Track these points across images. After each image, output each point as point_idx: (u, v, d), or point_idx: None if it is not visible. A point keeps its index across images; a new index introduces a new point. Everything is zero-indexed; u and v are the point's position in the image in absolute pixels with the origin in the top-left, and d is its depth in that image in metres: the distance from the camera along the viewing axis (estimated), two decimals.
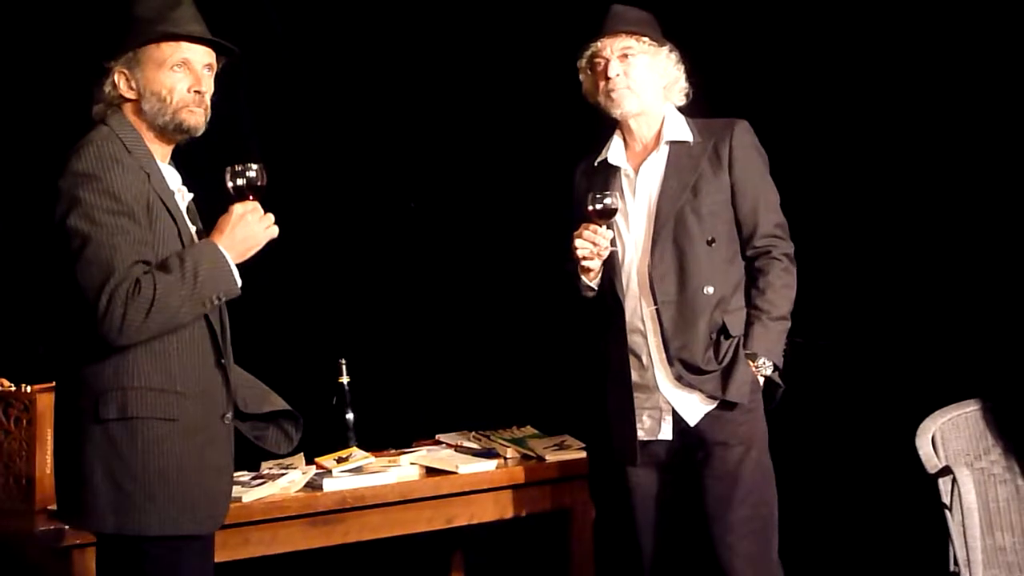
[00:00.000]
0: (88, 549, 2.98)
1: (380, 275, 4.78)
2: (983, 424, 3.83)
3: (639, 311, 3.31)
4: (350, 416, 3.82)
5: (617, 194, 3.29)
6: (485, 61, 4.79)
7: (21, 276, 3.91)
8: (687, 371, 3.26)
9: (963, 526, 3.53)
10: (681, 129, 3.39)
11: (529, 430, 4.04)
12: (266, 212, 2.73)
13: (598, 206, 3.20)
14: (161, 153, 2.78)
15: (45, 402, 3.18)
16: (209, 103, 2.78)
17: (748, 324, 3.31)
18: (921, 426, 3.76)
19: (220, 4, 3.07)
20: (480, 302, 4.80)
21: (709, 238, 3.30)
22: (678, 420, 3.29)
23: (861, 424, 4.19)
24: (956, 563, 3.60)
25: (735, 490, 3.27)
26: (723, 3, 4.42)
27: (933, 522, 3.66)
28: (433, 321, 4.82)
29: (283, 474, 3.46)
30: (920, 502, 3.75)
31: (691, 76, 3.42)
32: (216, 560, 2.88)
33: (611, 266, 3.31)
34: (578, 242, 3.24)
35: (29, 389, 3.26)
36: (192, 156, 2.89)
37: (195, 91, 2.74)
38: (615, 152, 3.42)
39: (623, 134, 3.43)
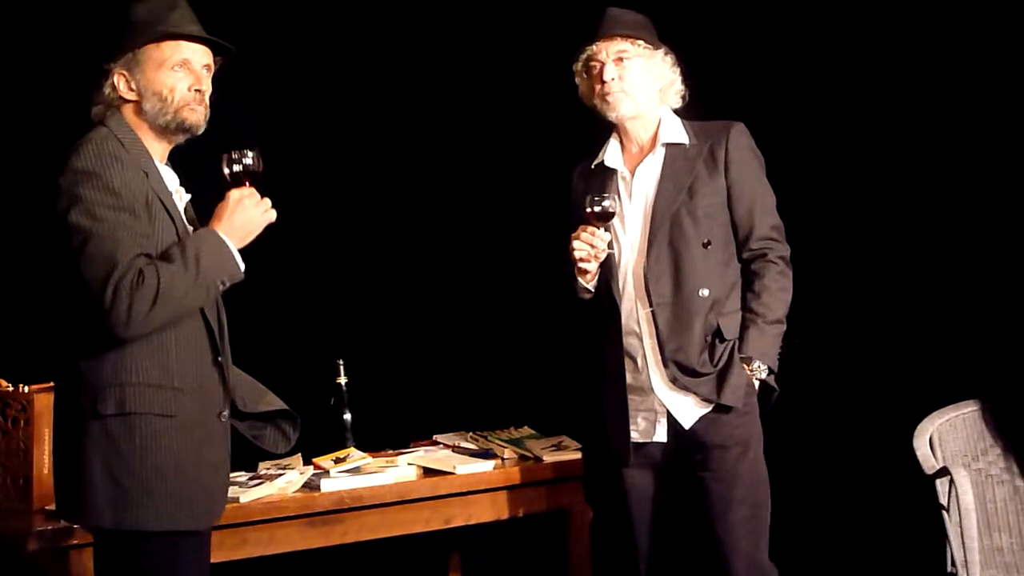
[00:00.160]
0: (86, 549, 2.98)
1: (378, 276, 4.78)
2: (981, 425, 3.83)
3: (635, 313, 3.32)
4: (348, 416, 3.83)
5: (615, 197, 3.30)
6: (483, 62, 4.79)
7: (19, 276, 3.92)
8: (682, 373, 3.26)
9: (960, 527, 3.53)
10: (677, 131, 3.39)
11: (526, 431, 4.04)
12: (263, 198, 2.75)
13: (596, 209, 3.21)
14: (159, 154, 2.80)
15: (43, 402, 3.20)
16: (208, 103, 2.81)
17: (744, 328, 3.31)
18: (919, 427, 3.76)
19: (218, 5, 3.09)
20: (478, 303, 4.80)
21: (705, 240, 3.30)
22: (673, 423, 3.30)
23: (859, 425, 4.19)
24: (953, 564, 3.60)
25: (735, 491, 3.28)
26: (719, 5, 4.42)
27: (931, 523, 3.66)
28: (431, 322, 4.82)
29: (281, 474, 3.46)
30: (918, 503, 3.75)
31: (687, 78, 3.42)
32: (214, 560, 2.90)
33: (608, 268, 3.32)
34: (576, 244, 3.25)
35: (27, 389, 3.27)
36: (190, 157, 2.90)
37: (195, 90, 2.77)
38: (612, 155, 3.43)
39: (620, 137, 3.44)
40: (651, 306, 3.28)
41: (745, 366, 3.29)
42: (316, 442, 3.65)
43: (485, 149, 4.83)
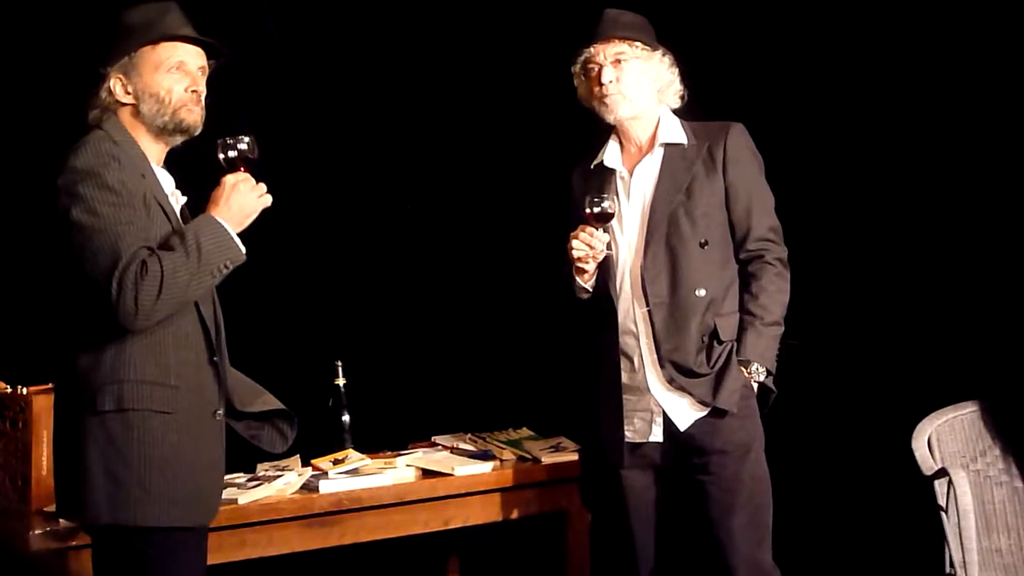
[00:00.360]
0: (85, 549, 2.98)
1: (376, 277, 4.78)
2: (980, 426, 3.82)
3: (632, 313, 3.32)
4: (346, 418, 3.83)
5: (613, 197, 3.30)
6: (482, 63, 4.79)
7: (18, 277, 3.92)
8: (678, 373, 3.26)
9: (959, 528, 3.53)
10: (676, 131, 3.39)
11: (525, 432, 4.04)
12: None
13: (595, 209, 3.22)
14: (156, 156, 2.83)
15: (41, 404, 3.20)
16: (204, 104, 2.84)
17: (741, 330, 3.31)
18: (917, 428, 3.75)
19: (217, 9, 3.10)
20: (476, 304, 4.81)
21: (702, 240, 3.30)
22: (668, 423, 3.29)
23: (857, 426, 4.18)
24: (952, 565, 3.59)
25: (737, 496, 3.27)
26: (718, 5, 4.42)
27: (929, 524, 3.65)
28: (429, 323, 4.82)
29: (279, 476, 3.47)
30: (916, 504, 3.74)
31: (686, 79, 3.42)
32: (212, 562, 2.91)
33: (605, 268, 3.32)
34: (574, 243, 3.26)
35: (25, 391, 3.28)
36: (187, 160, 2.91)
37: (192, 91, 2.80)
38: (611, 155, 3.43)
39: (619, 137, 3.44)
40: (648, 305, 3.28)
41: (743, 368, 3.29)
42: (314, 443, 3.65)
43: (484, 150, 4.83)
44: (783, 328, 3.36)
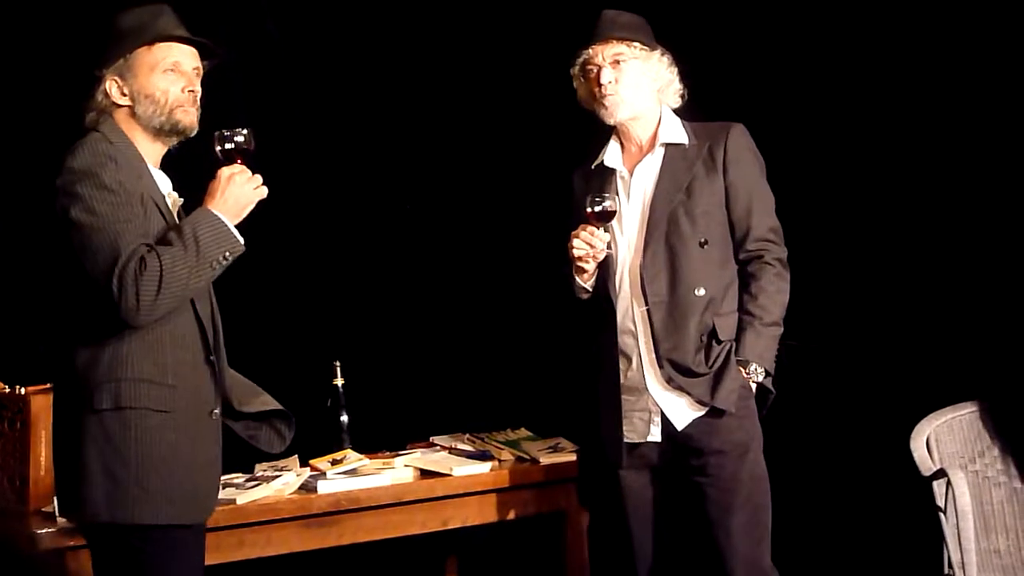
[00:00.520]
0: (84, 550, 2.98)
1: (375, 277, 4.78)
2: (978, 426, 3.82)
3: (631, 312, 3.32)
4: (344, 418, 3.84)
5: (614, 196, 3.30)
6: (482, 63, 4.79)
7: (17, 277, 3.93)
8: (677, 372, 3.26)
9: (958, 529, 3.53)
10: (676, 131, 3.39)
11: (523, 432, 4.04)
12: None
13: (596, 208, 3.22)
14: (153, 158, 2.85)
15: (40, 404, 3.21)
16: (199, 105, 2.85)
17: (740, 330, 3.31)
18: (916, 428, 3.75)
19: (217, 9, 3.10)
20: (475, 304, 4.81)
21: (701, 239, 3.30)
22: (667, 423, 3.29)
23: (856, 426, 4.18)
24: (950, 566, 3.59)
25: (735, 496, 3.27)
26: (718, 5, 4.42)
27: (928, 525, 3.65)
28: (428, 323, 4.82)
29: (277, 476, 3.46)
30: (915, 505, 3.74)
31: (686, 79, 3.42)
32: (210, 562, 2.92)
33: (605, 267, 3.32)
34: (575, 242, 3.26)
35: (23, 391, 3.28)
36: (184, 161, 2.92)
37: (188, 91, 2.82)
38: (611, 155, 3.43)
39: (620, 137, 3.45)
40: (647, 305, 3.28)
41: (742, 369, 3.29)
42: (313, 444, 3.65)
43: (484, 151, 4.83)
44: (782, 329, 3.36)
